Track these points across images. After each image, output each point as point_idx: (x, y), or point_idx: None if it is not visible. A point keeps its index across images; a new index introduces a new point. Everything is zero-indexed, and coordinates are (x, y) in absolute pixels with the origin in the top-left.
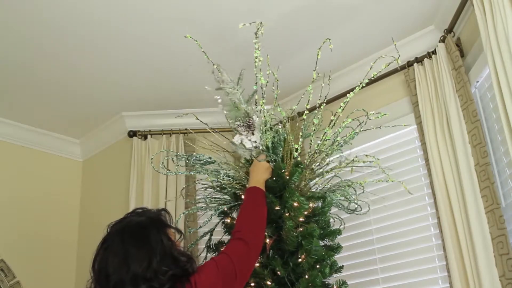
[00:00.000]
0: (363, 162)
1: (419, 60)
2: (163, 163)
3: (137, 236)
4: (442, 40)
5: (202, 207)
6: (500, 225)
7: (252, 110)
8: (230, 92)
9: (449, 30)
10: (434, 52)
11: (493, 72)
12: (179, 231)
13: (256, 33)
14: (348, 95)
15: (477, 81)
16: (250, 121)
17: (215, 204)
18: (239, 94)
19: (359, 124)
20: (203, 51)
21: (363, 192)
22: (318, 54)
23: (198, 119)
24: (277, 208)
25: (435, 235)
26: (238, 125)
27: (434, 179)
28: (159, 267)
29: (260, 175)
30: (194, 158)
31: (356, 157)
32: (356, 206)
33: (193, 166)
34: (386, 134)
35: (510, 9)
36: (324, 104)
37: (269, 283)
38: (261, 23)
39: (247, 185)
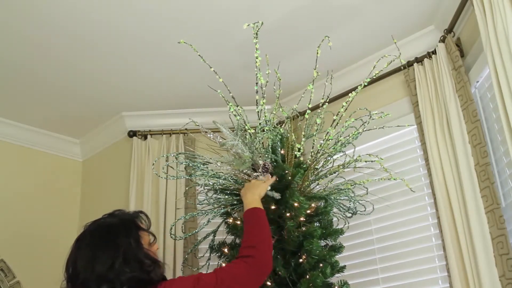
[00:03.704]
0: (365, 161)
1: (419, 60)
2: (165, 167)
3: (105, 238)
4: (442, 40)
5: (203, 211)
6: (500, 225)
7: (258, 154)
8: (233, 145)
9: (449, 30)
10: (434, 52)
11: (493, 72)
12: (152, 235)
13: (256, 33)
14: (350, 94)
15: (477, 81)
16: (267, 165)
17: (216, 206)
18: (241, 144)
19: (362, 124)
20: (199, 55)
21: (367, 193)
22: (317, 52)
23: (193, 121)
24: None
25: (435, 235)
26: (256, 175)
27: (434, 179)
28: (121, 268)
29: (253, 192)
30: (193, 163)
31: (359, 156)
32: (356, 208)
33: (193, 169)
34: (386, 134)
35: (510, 9)
36: (327, 103)
37: (269, 283)
38: (262, 22)
39: (243, 207)
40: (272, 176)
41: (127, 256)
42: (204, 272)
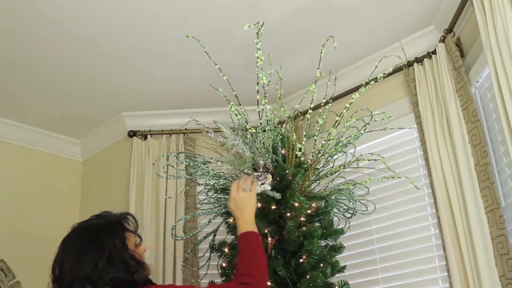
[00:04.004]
0: (369, 160)
1: (419, 60)
2: (165, 166)
3: (91, 239)
4: (442, 40)
5: (203, 210)
6: (500, 225)
7: (258, 154)
8: (234, 145)
9: (449, 30)
10: (434, 52)
11: (493, 72)
12: (139, 236)
13: (257, 33)
14: (353, 95)
15: (477, 81)
16: (268, 165)
17: (216, 206)
18: (241, 144)
19: (364, 125)
20: (205, 51)
21: (368, 193)
22: (321, 52)
23: (195, 120)
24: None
25: (435, 235)
26: (257, 175)
27: (434, 179)
28: (105, 268)
29: (246, 212)
30: (194, 163)
31: (360, 155)
32: (356, 209)
33: (194, 169)
34: (386, 134)
35: (510, 9)
36: (330, 103)
37: (269, 283)
38: (263, 23)
39: (236, 227)
40: (272, 176)
41: (111, 257)
42: (203, 271)
